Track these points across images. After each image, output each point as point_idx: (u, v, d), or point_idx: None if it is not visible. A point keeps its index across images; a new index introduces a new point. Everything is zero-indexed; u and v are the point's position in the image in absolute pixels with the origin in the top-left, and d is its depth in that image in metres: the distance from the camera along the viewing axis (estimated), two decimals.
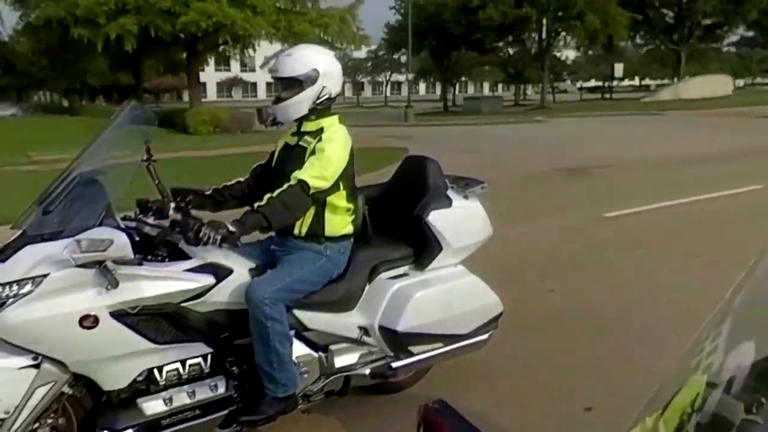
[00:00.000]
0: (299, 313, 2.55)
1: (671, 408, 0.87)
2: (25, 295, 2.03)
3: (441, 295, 2.76)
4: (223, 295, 2.38)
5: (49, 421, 2.20)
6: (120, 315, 2.13)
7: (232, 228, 2.21)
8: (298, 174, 2.40)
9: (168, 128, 19.14)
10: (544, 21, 33.90)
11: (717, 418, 0.80)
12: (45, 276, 2.04)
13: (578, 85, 55.57)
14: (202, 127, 19.71)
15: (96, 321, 2.07)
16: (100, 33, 19.21)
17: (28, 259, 2.05)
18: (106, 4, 18.54)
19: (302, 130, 2.62)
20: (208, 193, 2.72)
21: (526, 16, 33.05)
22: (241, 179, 2.82)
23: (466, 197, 2.94)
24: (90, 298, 2.07)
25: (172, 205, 2.57)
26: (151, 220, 2.48)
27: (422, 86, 71.58)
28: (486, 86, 70.57)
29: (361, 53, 43.51)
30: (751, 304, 0.95)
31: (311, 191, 2.41)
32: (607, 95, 52.45)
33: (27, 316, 2.01)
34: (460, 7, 33.67)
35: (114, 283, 2.03)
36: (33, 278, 2.03)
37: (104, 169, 2.29)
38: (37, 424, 2.16)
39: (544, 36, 35.48)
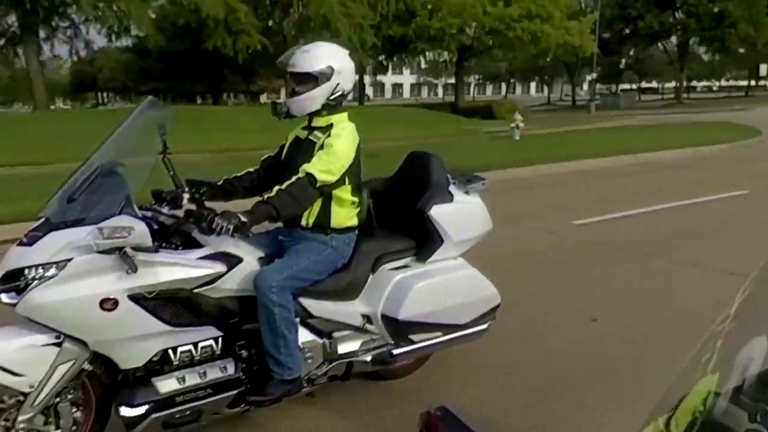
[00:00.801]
0: (305, 301, 2.68)
1: (682, 408, 0.88)
2: (50, 277, 2.16)
3: (441, 286, 2.88)
4: (233, 282, 2.51)
5: (70, 396, 2.34)
6: (138, 298, 2.26)
7: (243, 218, 2.33)
8: (307, 167, 2.52)
9: (482, 117, 27.18)
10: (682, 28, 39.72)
11: (721, 427, 0.82)
12: (69, 260, 2.17)
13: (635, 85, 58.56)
14: (507, 114, 25.72)
15: (115, 303, 2.21)
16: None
17: (53, 244, 2.18)
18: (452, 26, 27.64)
19: (313, 125, 2.73)
20: (219, 183, 2.85)
21: (683, 24, 38.42)
22: (251, 170, 2.95)
23: (467, 192, 3.05)
24: (110, 282, 2.21)
25: (186, 195, 2.70)
26: (166, 210, 2.61)
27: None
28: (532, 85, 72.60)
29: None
30: (760, 310, 0.96)
31: (318, 184, 2.53)
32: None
33: (51, 298, 2.15)
34: (616, 18, 38.74)
35: (133, 268, 2.17)
36: (57, 262, 2.17)
37: (124, 161, 2.42)
38: (58, 399, 2.31)
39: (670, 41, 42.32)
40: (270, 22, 26.40)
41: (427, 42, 29.07)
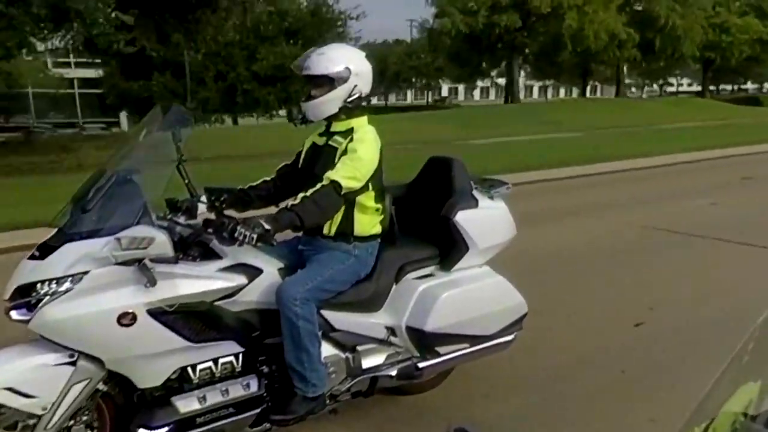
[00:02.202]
0: (327, 314, 2.56)
1: (721, 417, 0.84)
2: (64, 292, 2.05)
3: (468, 295, 2.77)
4: (253, 294, 2.39)
5: (84, 418, 2.21)
6: (156, 313, 2.14)
7: (267, 226, 2.22)
8: (331, 174, 2.41)
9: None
10: None
11: None
12: (85, 273, 2.06)
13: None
14: None
15: (134, 318, 2.09)
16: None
17: (68, 256, 2.07)
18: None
19: (331, 130, 2.63)
20: (238, 191, 2.74)
21: None
22: (267, 179, 2.84)
23: (491, 198, 2.95)
24: (129, 295, 2.09)
25: (202, 205, 2.60)
26: (182, 220, 2.50)
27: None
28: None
29: None
30: None
31: (343, 191, 2.42)
32: None
33: (66, 313, 2.03)
34: None
35: (152, 281, 2.05)
36: (73, 275, 2.05)
37: (140, 169, 2.31)
38: (72, 421, 2.18)
39: None
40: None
41: (712, 51, 38.94)
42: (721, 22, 38.36)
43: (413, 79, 54.50)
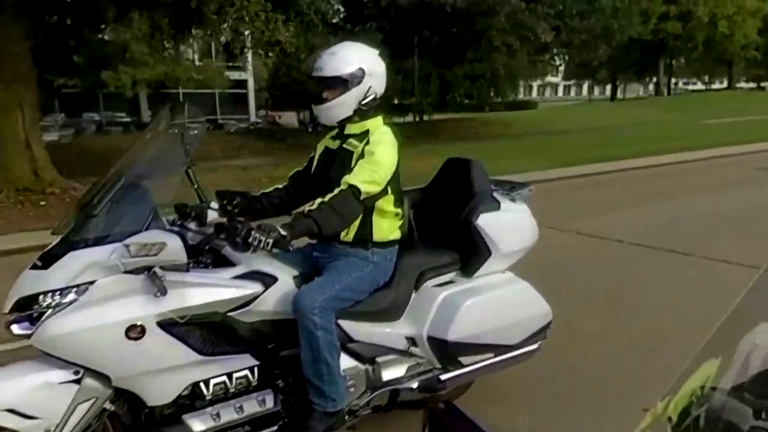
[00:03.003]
0: (344, 324, 2.43)
1: (682, 391, 0.87)
2: (68, 304, 1.91)
3: (491, 302, 2.63)
4: (269, 303, 2.26)
5: None
6: (167, 325, 2.01)
7: (283, 232, 2.09)
8: (349, 179, 2.28)
9: None
10: None
11: (725, 423, 0.80)
12: (91, 283, 1.92)
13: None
14: None
15: (143, 331, 1.95)
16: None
17: (73, 265, 1.93)
18: None
19: (345, 133, 2.51)
20: (251, 197, 2.61)
21: None
22: (279, 186, 2.71)
23: (513, 200, 2.83)
24: (137, 306, 1.95)
25: (213, 211, 2.47)
26: (193, 226, 2.37)
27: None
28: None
29: None
30: None
31: (362, 196, 2.29)
32: None
33: (70, 327, 1.89)
34: None
35: (163, 290, 1.91)
36: (78, 286, 1.91)
37: (148, 173, 2.18)
38: None
39: None
40: None
41: None
42: None
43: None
